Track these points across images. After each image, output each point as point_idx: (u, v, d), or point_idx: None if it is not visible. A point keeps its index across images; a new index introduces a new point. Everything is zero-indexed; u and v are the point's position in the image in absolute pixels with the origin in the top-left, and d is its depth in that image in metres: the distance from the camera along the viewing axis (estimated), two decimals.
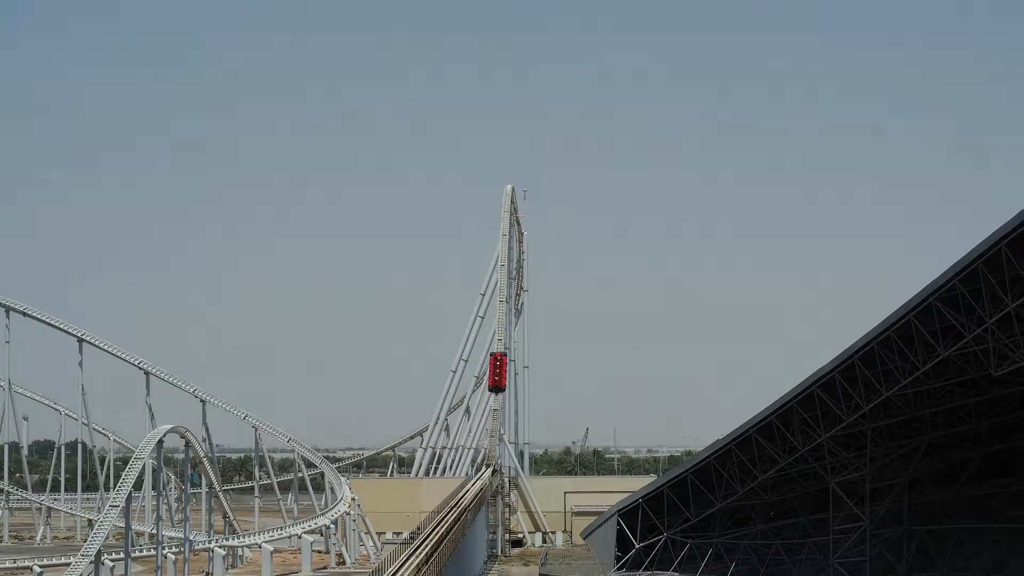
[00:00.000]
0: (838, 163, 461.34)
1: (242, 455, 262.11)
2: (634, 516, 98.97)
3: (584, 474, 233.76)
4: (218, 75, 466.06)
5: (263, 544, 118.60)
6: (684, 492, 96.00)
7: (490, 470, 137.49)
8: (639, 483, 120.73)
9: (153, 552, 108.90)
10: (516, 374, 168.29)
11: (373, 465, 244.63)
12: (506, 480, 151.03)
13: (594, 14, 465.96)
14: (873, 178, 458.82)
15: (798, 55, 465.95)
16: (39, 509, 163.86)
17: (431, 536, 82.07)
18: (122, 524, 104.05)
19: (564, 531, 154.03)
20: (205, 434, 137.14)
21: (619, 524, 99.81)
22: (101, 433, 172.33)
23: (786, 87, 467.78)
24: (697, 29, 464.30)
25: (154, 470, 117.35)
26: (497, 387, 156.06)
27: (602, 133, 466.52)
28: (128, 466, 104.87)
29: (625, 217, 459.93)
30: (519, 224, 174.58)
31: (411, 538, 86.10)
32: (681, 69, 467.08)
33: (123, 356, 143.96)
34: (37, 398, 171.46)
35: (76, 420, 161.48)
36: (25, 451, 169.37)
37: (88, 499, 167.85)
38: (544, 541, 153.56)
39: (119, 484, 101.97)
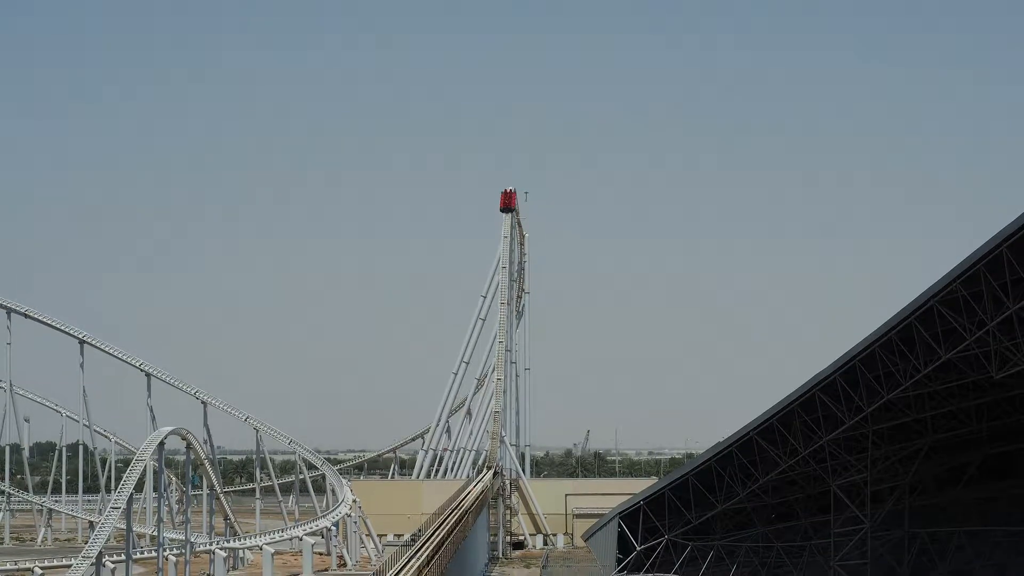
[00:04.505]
0: (840, 163, 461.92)
1: (243, 457, 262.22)
2: (635, 518, 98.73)
3: (585, 476, 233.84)
4: (216, 76, 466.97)
5: (264, 546, 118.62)
6: (685, 494, 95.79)
7: (491, 472, 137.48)
8: (640, 485, 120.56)
9: (154, 554, 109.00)
10: (517, 376, 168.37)
11: (374, 467, 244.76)
12: (507, 482, 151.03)
13: (595, 15, 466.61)
14: (875, 179, 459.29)
15: (799, 55, 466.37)
16: (40, 511, 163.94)
17: (432, 538, 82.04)
18: (123, 526, 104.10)
19: (565, 533, 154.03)
20: (206, 436, 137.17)
21: (620, 526, 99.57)
22: (102, 435, 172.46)
23: (788, 87, 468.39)
24: (697, 29, 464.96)
25: (155, 472, 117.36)
26: (507, 208, 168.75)
27: (603, 136, 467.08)
28: (129, 468, 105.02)
29: (626, 219, 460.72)
30: (520, 226, 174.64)
31: (412, 540, 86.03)
32: (682, 69, 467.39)
33: (124, 358, 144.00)
34: (38, 400, 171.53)
35: (77, 422, 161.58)
36: (26, 453, 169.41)
37: (89, 501, 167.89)
38: (545, 543, 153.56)
39: (120, 486, 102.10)
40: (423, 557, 73.96)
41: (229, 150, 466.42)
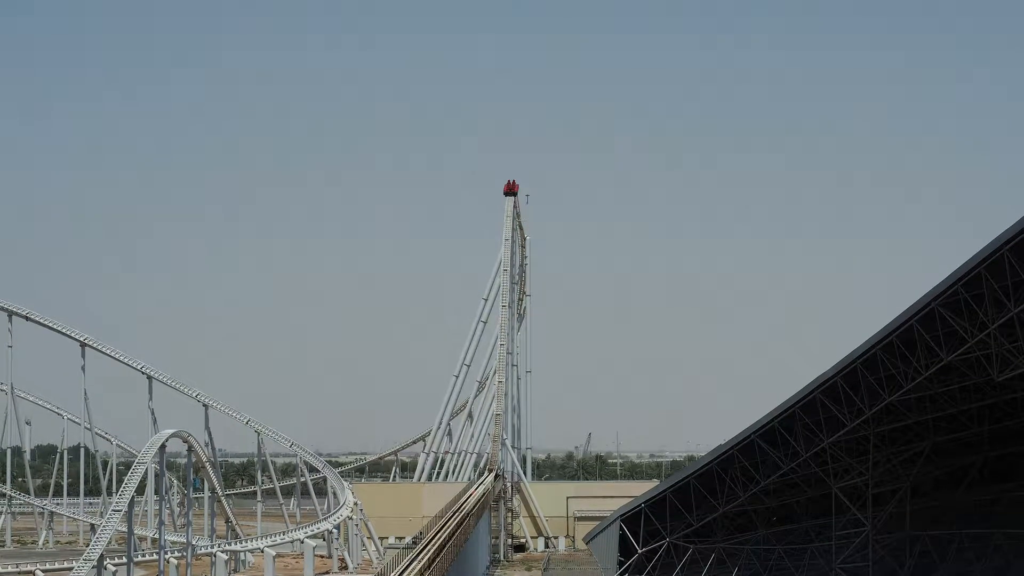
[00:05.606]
0: (842, 164, 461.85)
1: (245, 459, 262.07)
2: (637, 521, 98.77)
3: (587, 479, 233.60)
4: (216, 76, 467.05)
5: (266, 548, 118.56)
6: (687, 497, 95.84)
7: (493, 475, 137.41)
8: (642, 488, 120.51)
9: (155, 557, 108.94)
10: (519, 378, 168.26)
11: (376, 470, 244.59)
12: (509, 485, 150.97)
13: (595, 15, 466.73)
14: (877, 181, 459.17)
15: (799, 55, 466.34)
16: (42, 514, 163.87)
17: (433, 541, 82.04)
18: (124, 529, 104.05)
19: (567, 536, 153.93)
20: (208, 438, 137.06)
21: (622, 529, 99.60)
22: (104, 437, 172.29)
23: (788, 88, 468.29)
24: (697, 29, 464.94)
25: (156, 475, 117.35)
26: (510, 192, 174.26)
27: (604, 137, 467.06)
28: (131, 471, 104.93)
29: (627, 222, 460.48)
30: (522, 229, 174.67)
31: (414, 543, 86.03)
32: (683, 69, 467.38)
33: (126, 361, 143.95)
34: (40, 402, 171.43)
35: (79, 424, 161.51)
36: (28, 455, 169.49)
37: (90, 504, 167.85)
38: (547, 546, 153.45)
39: (122, 489, 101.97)
40: (424, 560, 73.96)
41: (229, 150, 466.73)
